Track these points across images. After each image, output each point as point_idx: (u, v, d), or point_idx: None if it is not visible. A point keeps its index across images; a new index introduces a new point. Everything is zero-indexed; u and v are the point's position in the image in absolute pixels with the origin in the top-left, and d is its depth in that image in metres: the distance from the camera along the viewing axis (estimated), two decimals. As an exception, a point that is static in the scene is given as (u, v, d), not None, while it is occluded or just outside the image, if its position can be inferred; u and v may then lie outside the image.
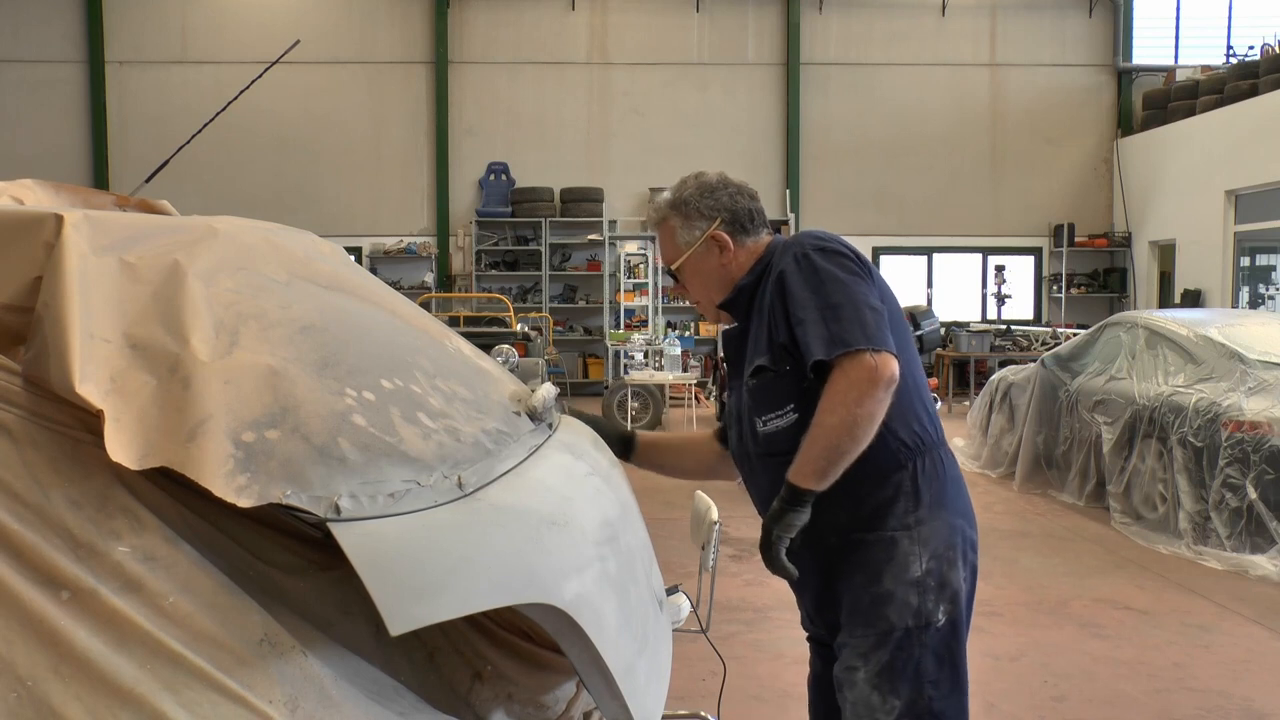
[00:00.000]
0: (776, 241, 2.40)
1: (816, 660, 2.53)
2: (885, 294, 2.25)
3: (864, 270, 2.20)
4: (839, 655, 2.27)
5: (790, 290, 2.18)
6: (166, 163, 3.16)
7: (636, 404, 11.22)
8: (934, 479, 2.23)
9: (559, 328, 16.05)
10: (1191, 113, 14.77)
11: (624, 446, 2.54)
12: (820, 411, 2.09)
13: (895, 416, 2.16)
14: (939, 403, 12.22)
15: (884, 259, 16.55)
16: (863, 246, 16.88)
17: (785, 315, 2.19)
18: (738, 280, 2.37)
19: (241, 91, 3.39)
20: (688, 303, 2.73)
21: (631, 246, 14.93)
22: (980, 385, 11.34)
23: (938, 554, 2.19)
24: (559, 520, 1.65)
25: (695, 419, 10.56)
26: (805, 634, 2.57)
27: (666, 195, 2.45)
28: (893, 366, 2.06)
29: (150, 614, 1.27)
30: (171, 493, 1.41)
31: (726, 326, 2.48)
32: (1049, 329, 14.37)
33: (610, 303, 15.48)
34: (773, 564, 2.13)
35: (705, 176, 2.43)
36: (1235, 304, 13.85)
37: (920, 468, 2.22)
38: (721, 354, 2.70)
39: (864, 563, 2.21)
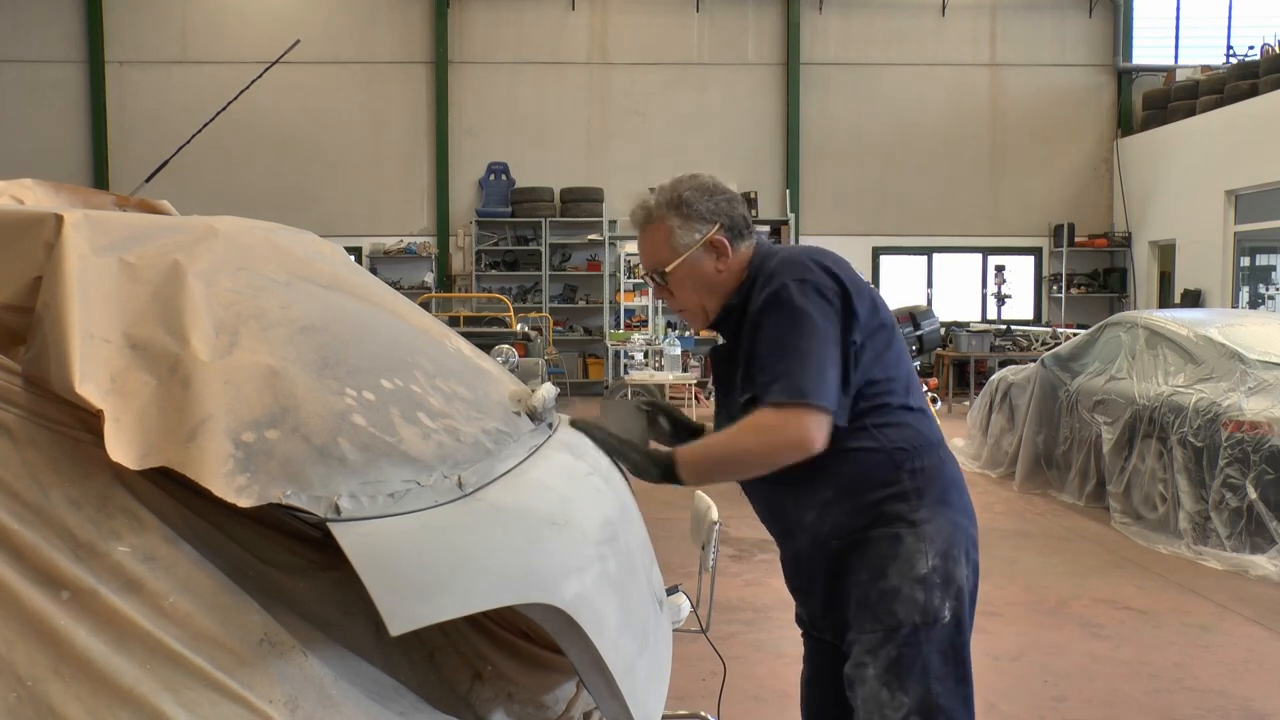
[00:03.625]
0: (760, 252, 2.36)
1: (814, 657, 2.53)
2: (879, 307, 2.27)
3: (842, 305, 2.18)
4: (849, 653, 2.27)
5: (764, 325, 2.19)
6: (166, 163, 3.16)
7: (636, 404, 11.18)
8: (936, 478, 2.25)
9: (559, 328, 16.04)
10: (1191, 113, 14.76)
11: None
12: (736, 429, 2.17)
13: (889, 423, 2.22)
14: (939, 403, 12.21)
15: (884, 259, 16.54)
16: (863, 246, 16.69)
17: (755, 348, 2.21)
18: (728, 287, 2.34)
19: (241, 91, 3.39)
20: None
21: (631, 246, 14.92)
22: (980, 385, 11.33)
23: (943, 551, 2.21)
24: (559, 520, 1.65)
25: (695, 419, 10.55)
26: (800, 631, 2.58)
27: (663, 194, 2.33)
28: (812, 433, 2.09)
29: (150, 614, 1.27)
30: (171, 493, 1.41)
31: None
32: (1049, 329, 14.36)
33: (610, 303, 15.48)
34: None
35: (700, 178, 2.35)
36: (1235, 304, 13.83)
37: (921, 468, 2.24)
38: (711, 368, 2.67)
39: (869, 559, 2.22)
